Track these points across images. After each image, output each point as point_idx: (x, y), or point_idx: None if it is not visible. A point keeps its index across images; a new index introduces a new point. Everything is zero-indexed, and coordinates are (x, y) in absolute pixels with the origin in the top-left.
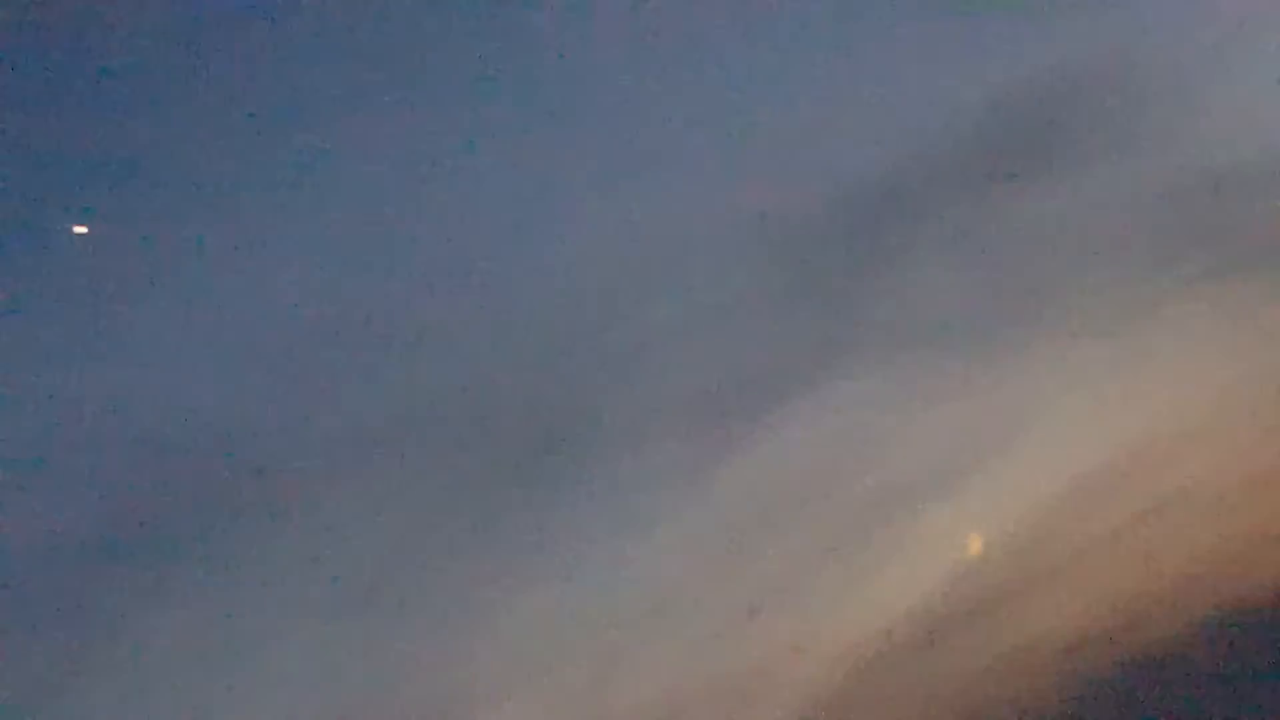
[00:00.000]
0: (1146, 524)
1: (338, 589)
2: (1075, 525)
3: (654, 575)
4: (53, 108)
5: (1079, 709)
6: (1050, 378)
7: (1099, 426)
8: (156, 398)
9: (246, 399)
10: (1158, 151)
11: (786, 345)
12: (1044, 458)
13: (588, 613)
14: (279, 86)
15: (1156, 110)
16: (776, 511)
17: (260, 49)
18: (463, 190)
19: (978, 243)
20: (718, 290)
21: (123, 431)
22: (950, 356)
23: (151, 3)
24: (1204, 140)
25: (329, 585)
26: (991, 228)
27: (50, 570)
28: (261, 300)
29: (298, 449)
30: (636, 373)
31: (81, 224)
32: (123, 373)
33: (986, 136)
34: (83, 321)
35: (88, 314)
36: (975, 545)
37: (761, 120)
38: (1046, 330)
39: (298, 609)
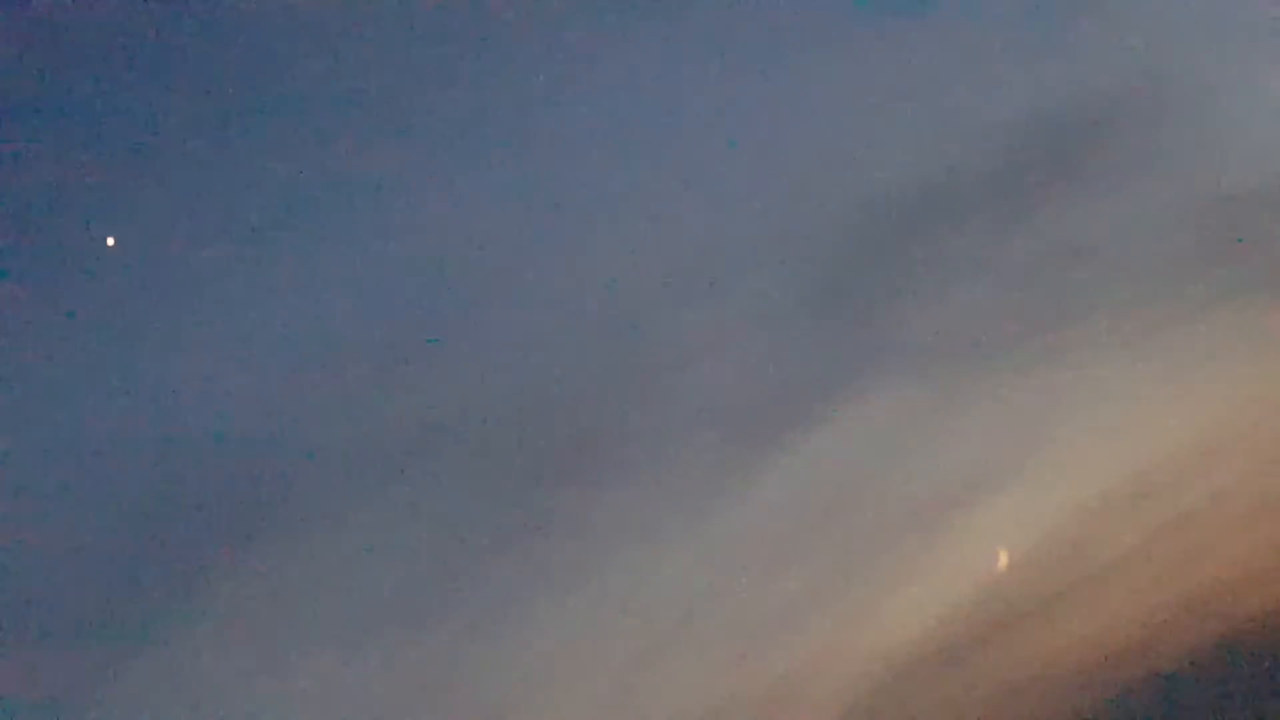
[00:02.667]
0: (1171, 537)
1: (368, 600)
2: (1101, 539)
3: (684, 584)
4: (87, 119)
5: None
6: (1075, 392)
7: (1124, 440)
8: (185, 409)
9: (277, 411)
10: (1179, 173)
11: (816, 359)
12: (1070, 471)
13: (617, 621)
14: (320, 105)
15: (1177, 134)
16: (805, 523)
17: (302, 71)
18: (496, 205)
19: (1004, 261)
20: (749, 304)
21: (153, 442)
22: (977, 371)
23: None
24: (1224, 162)
25: (359, 596)
26: (1018, 247)
27: (81, 576)
28: (293, 314)
29: (329, 460)
30: (668, 384)
31: (111, 235)
32: (153, 383)
33: (1013, 158)
34: (112, 332)
35: (118, 325)
36: (1003, 559)
37: (793, 138)
38: (1072, 346)
39: (328, 620)
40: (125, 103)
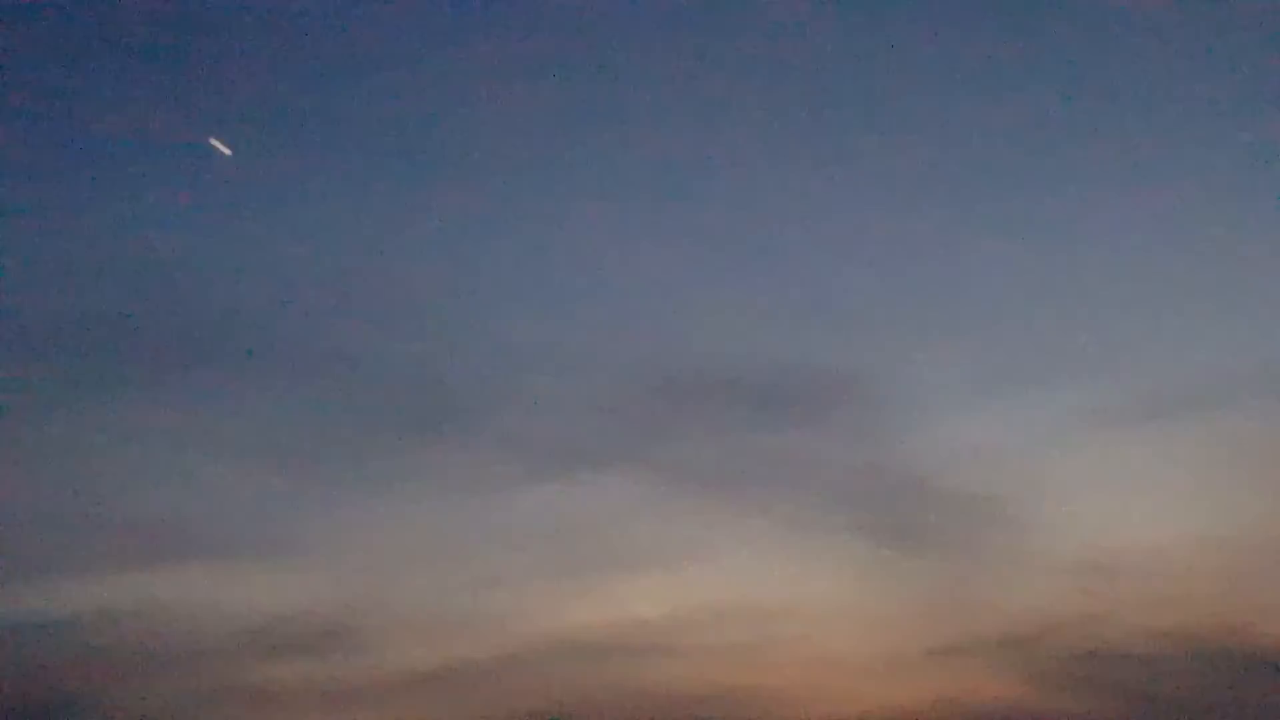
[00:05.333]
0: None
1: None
2: (697, 625)
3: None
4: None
5: None
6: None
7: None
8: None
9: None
10: (853, 427)
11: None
12: (700, 579)
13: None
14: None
15: (853, 401)
16: (561, 537)
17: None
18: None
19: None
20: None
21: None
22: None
23: None
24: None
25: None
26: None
27: None
28: None
29: None
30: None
31: (225, 145)
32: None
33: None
34: None
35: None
36: (650, 612)
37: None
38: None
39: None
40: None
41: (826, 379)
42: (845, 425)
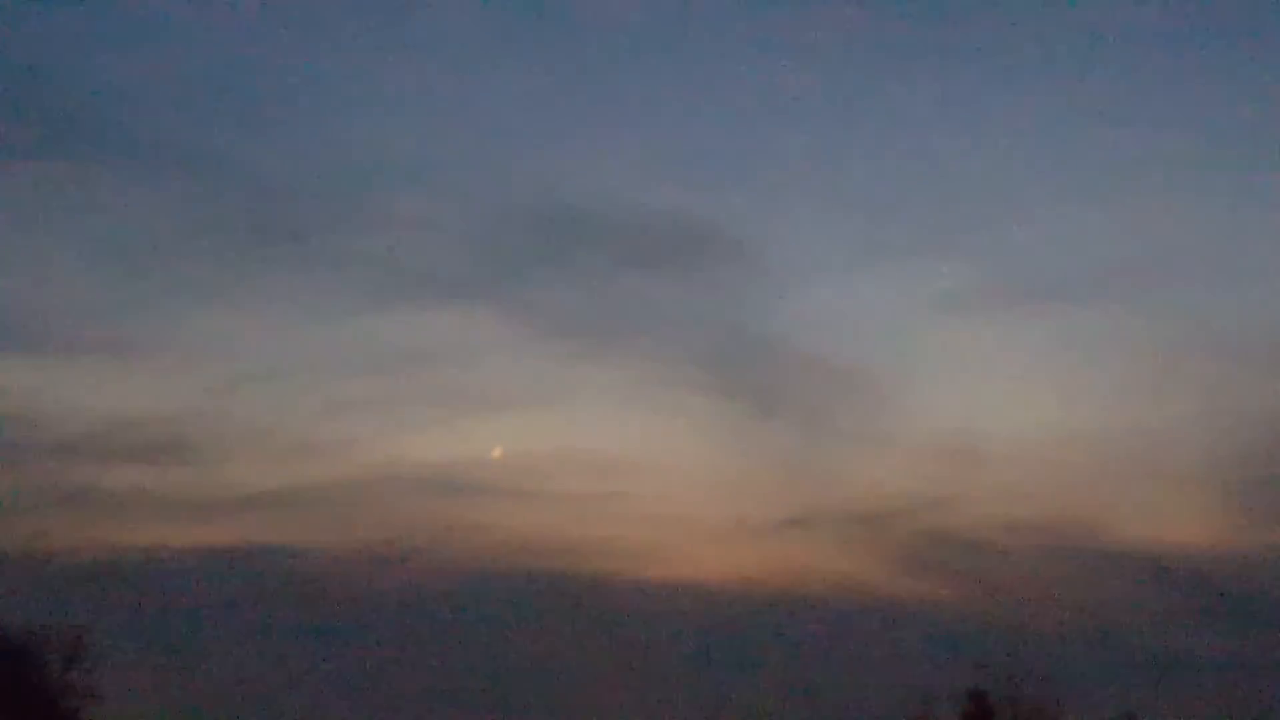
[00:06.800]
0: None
1: None
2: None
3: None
4: None
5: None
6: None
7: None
8: None
9: None
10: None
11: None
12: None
13: None
14: None
15: (725, 259)
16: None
17: None
18: None
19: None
20: None
21: None
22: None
23: None
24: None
25: None
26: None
27: None
28: None
29: None
30: None
31: None
32: None
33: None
34: None
35: None
36: (498, 452)
37: None
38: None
39: None
40: None
41: (701, 233)
42: (715, 282)
